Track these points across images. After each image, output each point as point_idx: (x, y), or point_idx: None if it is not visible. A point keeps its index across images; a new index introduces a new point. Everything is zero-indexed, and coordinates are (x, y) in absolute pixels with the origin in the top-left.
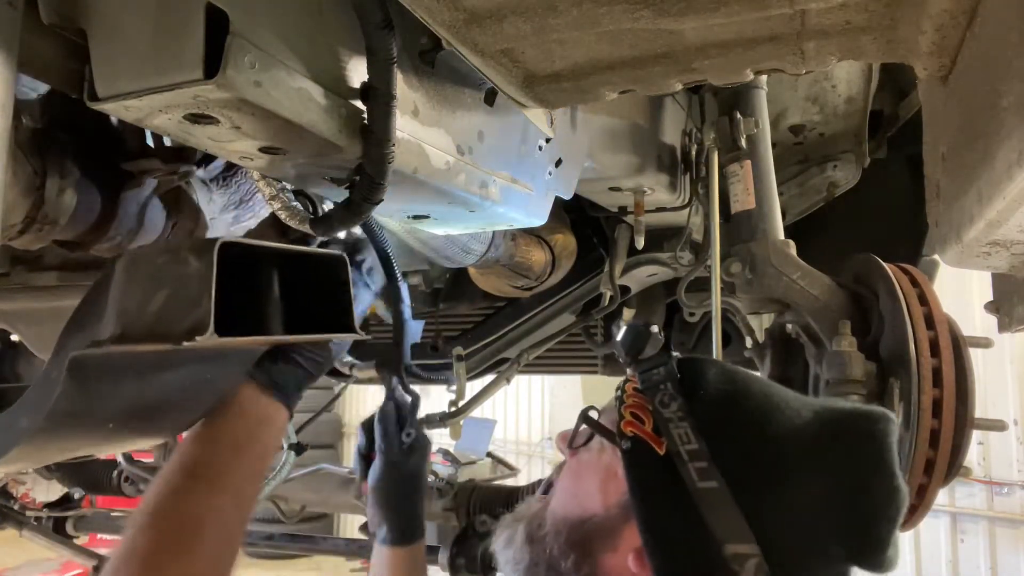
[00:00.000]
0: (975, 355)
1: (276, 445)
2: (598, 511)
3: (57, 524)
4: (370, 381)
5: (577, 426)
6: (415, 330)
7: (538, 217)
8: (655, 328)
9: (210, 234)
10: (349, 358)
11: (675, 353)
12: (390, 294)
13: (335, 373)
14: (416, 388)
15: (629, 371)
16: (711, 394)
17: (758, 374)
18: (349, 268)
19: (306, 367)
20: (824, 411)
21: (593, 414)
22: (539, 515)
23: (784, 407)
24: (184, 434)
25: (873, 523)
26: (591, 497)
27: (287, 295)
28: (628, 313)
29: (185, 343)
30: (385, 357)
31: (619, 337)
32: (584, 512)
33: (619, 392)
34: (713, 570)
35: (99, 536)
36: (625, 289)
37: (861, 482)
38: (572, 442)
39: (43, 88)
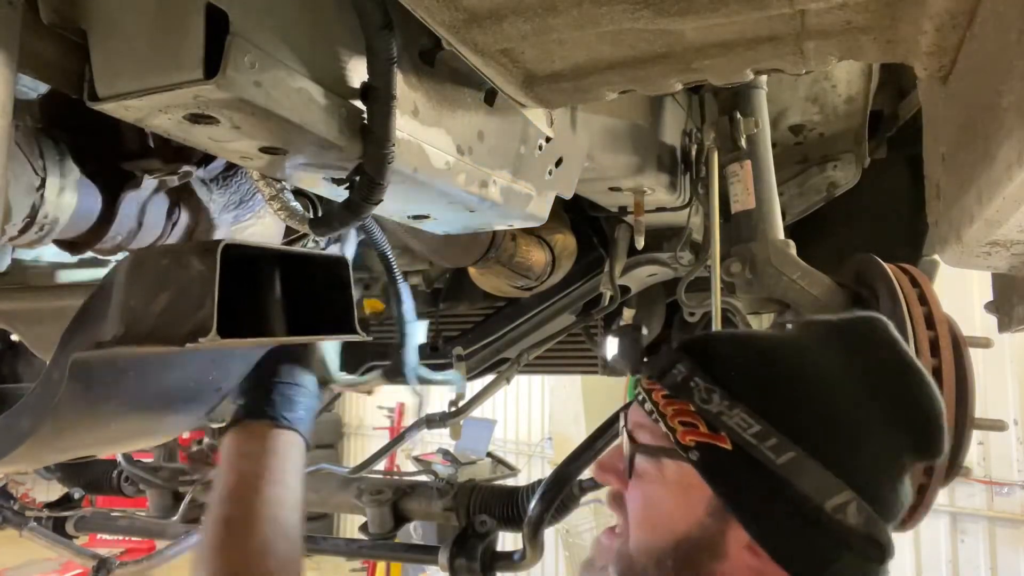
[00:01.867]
0: (975, 355)
1: (299, 470)
2: (692, 528)
3: (57, 524)
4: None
5: (631, 456)
6: (420, 330)
7: (538, 217)
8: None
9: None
10: (349, 377)
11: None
12: (392, 296)
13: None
14: (417, 388)
15: (644, 380)
16: (741, 369)
17: (745, 328)
18: (350, 269)
19: (305, 388)
20: (826, 335)
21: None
22: (624, 554)
23: (796, 347)
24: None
25: (927, 416)
26: (677, 518)
27: (288, 296)
28: (628, 313)
29: (188, 345)
30: (393, 361)
31: (612, 351)
32: (677, 534)
33: (648, 405)
34: (822, 529)
35: (99, 536)
36: (625, 289)
37: (900, 387)
38: (630, 472)
39: (43, 88)
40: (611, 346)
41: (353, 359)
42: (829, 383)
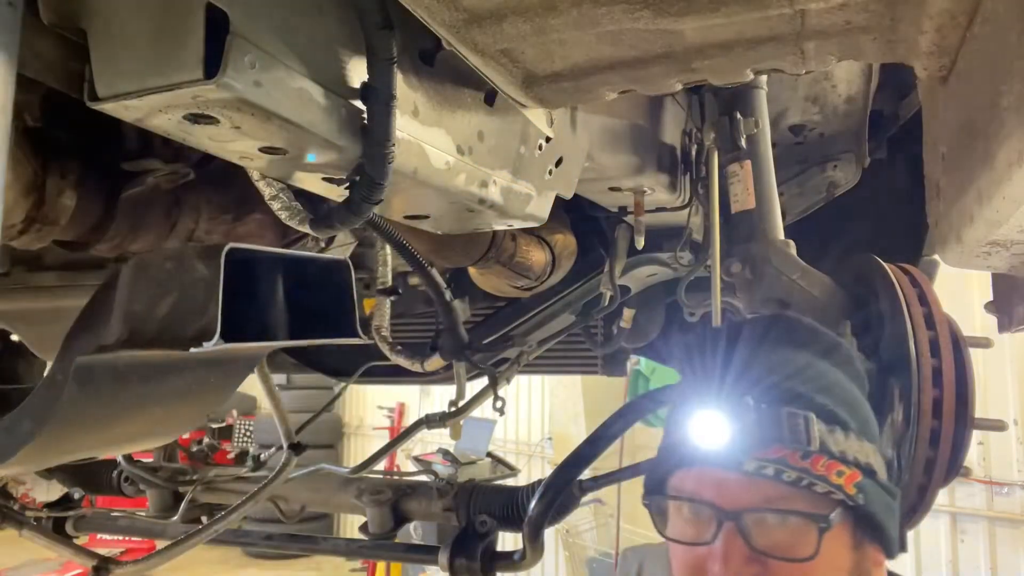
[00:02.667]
0: (975, 355)
1: None
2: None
3: (57, 524)
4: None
5: (819, 535)
6: (462, 309)
7: (538, 217)
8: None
9: (209, 236)
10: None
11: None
12: (426, 283)
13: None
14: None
15: (755, 458)
16: (833, 397)
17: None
18: (352, 272)
19: None
20: (806, 339)
21: (773, 519)
22: None
23: (808, 360)
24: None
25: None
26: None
27: (290, 299)
28: (628, 313)
29: (192, 349)
30: (444, 341)
31: (724, 437)
32: None
33: (789, 473)
34: (896, 501)
35: (99, 536)
36: (625, 289)
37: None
38: (816, 551)
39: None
40: (628, 317)
41: (354, 359)
42: (846, 381)
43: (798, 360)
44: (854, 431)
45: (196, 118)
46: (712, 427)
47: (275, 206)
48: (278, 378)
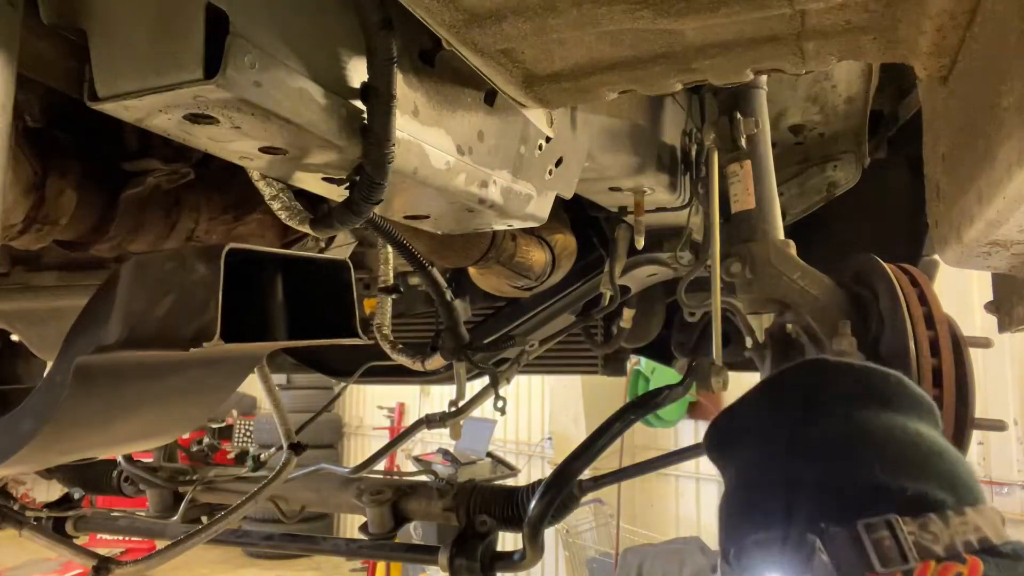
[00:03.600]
0: (975, 355)
1: None
2: None
3: (57, 524)
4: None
5: None
6: (462, 309)
7: (538, 217)
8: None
9: (209, 237)
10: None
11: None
12: (426, 282)
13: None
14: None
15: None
16: (915, 476)
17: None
18: (352, 272)
19: None
20: (861, 391)
21: None
22: None
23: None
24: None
25: None
26: None
27: (290, 299)
28: (628, 313)
29: (192, 349)
30: (445, 341)
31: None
32: None
33: None
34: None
35: (99, 536)
36: (625, 289)
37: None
38: None
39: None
40: (628, 317)
41: (354, 359)
42: (920, 431)
43: (848, 427)
44: (951, 505)
45: (196, 118)
46: None
47: (275, 206)
48: (278, 378)
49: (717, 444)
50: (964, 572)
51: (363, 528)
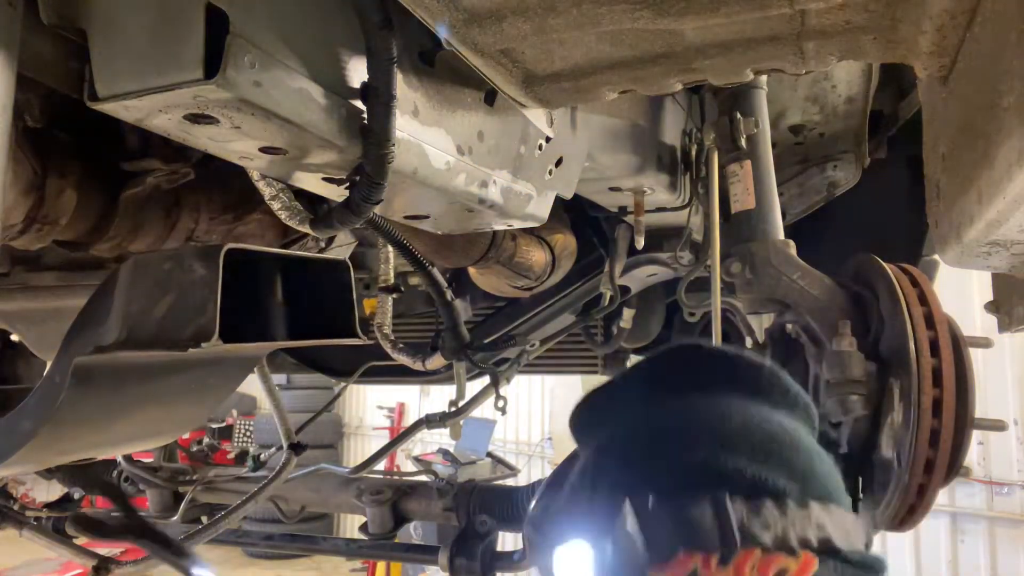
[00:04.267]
0: (975, 355)
1: None
2: None
3: (57, 524)
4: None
5: None
6: (462, 309)
7: (538, 217)
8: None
9: (209, 237)
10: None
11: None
12: (427, 282)
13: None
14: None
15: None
16: (765, 459)
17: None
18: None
19: None
20: (721, 380)
21: None
22: None
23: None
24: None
25: None
26: None
27: (290, 299)
28: (628, 313)
29: (190, 349)
30: (446, 340)
31: None
32: None
33: None
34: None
35: None
36: (625, 289)
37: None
38: None
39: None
40: (628, 317)
41: (354, 359)
42: (782, 423)
43: (696, 410)
44: (795, 496)
45: (196, 118)
46: (583, 567)
47: (275, 206)
48: (278, 378)
49: (578, 425)
50: (791, 569)
51: (363, 528)
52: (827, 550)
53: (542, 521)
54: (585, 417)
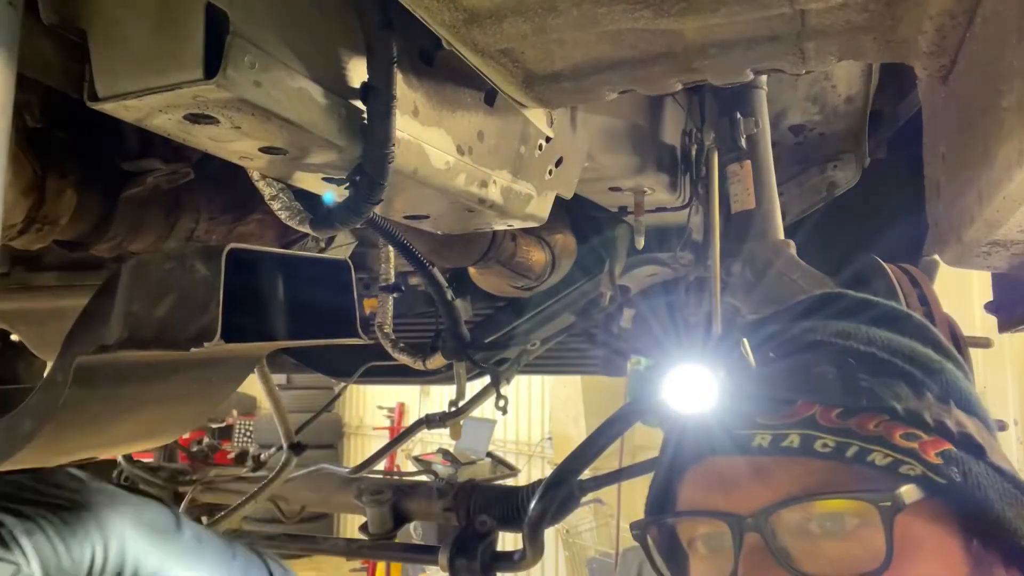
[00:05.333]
0: (975, 355)
1: None
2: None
3: None
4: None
5: (889, 523)
6: (463, 308)
7: (538, 217)
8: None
9: (209, 237)
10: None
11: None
12: (428, 282)
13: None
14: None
15: (775, 417)
16: (886, 348)
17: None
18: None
19: None
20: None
21: (816, 517)
22: None
23: (889, 314)
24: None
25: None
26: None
27: (291, 299)
28: (628, 313)
29: (192, 349)
30: (446, 341)
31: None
32: None
33: (825, 441)
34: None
35: None
36: (625, 289)
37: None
38: (889, 556)
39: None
40: (628, 317)
41: (354, 359)
42: (926, 350)
43: (858, 326)
44: (936, 392)
45: (196, 118)
46: (696, 388)
47: (275, 206)
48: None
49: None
50: (923, 438)
51: (363, 528)
52: (968, 444)
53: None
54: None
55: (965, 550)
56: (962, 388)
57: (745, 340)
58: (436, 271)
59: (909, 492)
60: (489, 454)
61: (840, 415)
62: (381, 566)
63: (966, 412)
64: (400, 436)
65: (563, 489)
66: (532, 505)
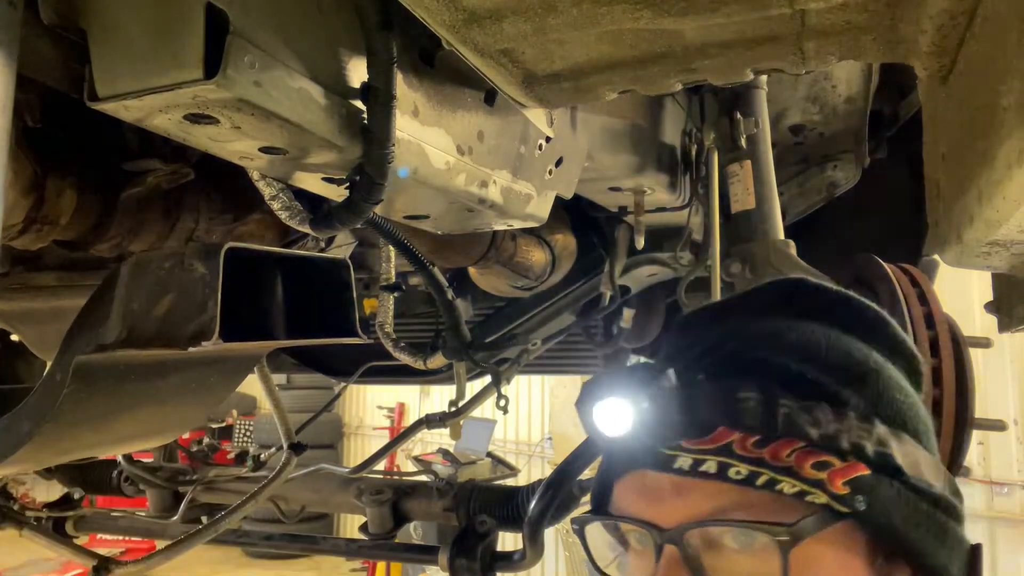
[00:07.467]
0: (975, 355)
1: None
2: None
3: (57, 524)
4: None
5: (784, 555)
6: (463, 308)
7: (538, 217)
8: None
9: (209, 236)
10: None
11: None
12: (428, 282)
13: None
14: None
15: (691, 442)
16: (817, 366)
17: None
18: (351, 271)
19: None
20: (825, 307)
21: (730, 538)
22: None
23: (823, 329)
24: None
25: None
26: None
27: (290, 298)
28: (628, 313)
29: (191, 348)
30: (448, 340)
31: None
32: None
33: (737, 469)
34: (953, 518)
35: (99, 536)
36: (625, 289)
37: (891, 337)
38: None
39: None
40: (628, 317)
41: (354, 359)
42: (865, 351)
43: (792, 328)
44: (859, 410)
45: (196, 118)
46: (618, 411)
47: (275, 206)
48: (278, 378)
49: (674, 327)
50: (834, 466)
51: (363, 528)
52: (885, 465)
53: (589, 382)
54: (680, 321)
55: (869, 567)
56: (895, 399)
57: (672, 372)
58: (437, 271)
59: (810, 524)
60: (489, 454)
61: (756, 443)
62: (381, 566)
63: (893, 426)
64: (400, 436)
65: (563, 489)
66: (532, 505)
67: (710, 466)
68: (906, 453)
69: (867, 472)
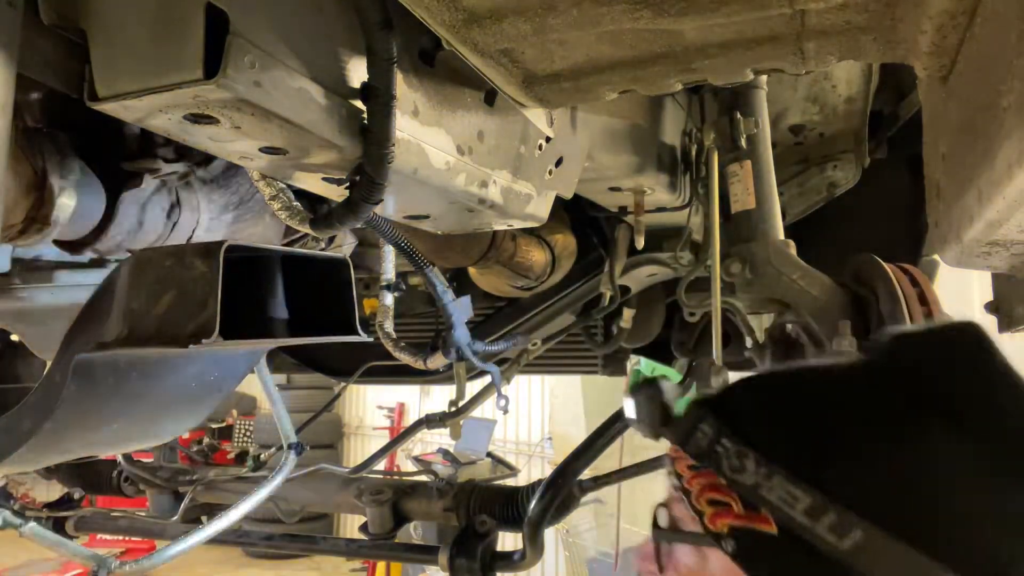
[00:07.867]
0: None
1: None
2: None
3: (57, 524)
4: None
5: (656, 543)
6: (463, 308)
7: (538, 217)
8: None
9: (210, 236)
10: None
11: (677, 388)
12: (427, 282)
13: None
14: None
15: (670, 447)
16: (776, 422)
17: (780, 365)
18: (352, 270)
19: None
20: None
21: (662, 516)
22: None
23: (846, 384)
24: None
25: None
26: None
27: (290, 297)
28: (628, 313)
29: (191, 346)
30: (447, 340)
31: (631, 413)
32: None
33: (674, 477)
34: None
35: (99, 536)
36: (625, 289)
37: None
38: (661, 563)
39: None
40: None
41: (354, 359)
42: (898, 427)
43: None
44: (815, 484)
45: (196, 118)
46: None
47: (275, 206)
48: (278, 378)
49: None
50: (727, 504)
51: (363, 528)
52: (790, 531)
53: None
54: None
55: None
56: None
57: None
58: (436, 271)
59: (687, 538)
60: (489, 454)
61: (689, 467)
62: (381, 566)
63: (796, 483)
64: (400, 436)
65: (563, 489)
66: (532, 505)
67: (675, 470)
68: (850, 544)
69: (772, 532)
